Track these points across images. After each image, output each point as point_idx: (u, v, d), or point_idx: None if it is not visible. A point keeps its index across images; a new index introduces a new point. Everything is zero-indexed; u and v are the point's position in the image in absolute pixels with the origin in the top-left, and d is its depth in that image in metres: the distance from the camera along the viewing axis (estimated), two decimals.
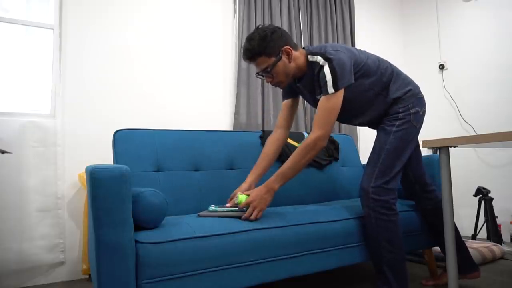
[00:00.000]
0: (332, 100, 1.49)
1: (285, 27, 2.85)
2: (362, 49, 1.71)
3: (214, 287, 1.31)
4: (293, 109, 1.78)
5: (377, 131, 1.69)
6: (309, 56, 1.57)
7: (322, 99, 1.51)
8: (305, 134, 2.34)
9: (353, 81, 1.53)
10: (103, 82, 2.33)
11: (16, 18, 2.19)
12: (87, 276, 2.15)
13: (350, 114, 1.71)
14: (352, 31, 3.25)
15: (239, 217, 1.44)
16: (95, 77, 2.31)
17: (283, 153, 2.15)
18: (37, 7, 2.30)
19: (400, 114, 1.62)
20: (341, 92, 1.50)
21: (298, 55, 1.57)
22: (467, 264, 1.76)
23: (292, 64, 1.55)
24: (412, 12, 3.71)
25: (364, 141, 3.28)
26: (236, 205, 1.49)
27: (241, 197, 1.47)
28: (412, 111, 1.62)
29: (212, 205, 1.57)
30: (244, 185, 1.64)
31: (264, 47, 1.49)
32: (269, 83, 1.61)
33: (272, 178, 1.50)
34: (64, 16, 2.25)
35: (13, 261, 1.96)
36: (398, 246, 1.56)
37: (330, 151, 2.32)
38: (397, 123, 1.61)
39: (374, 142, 1.66)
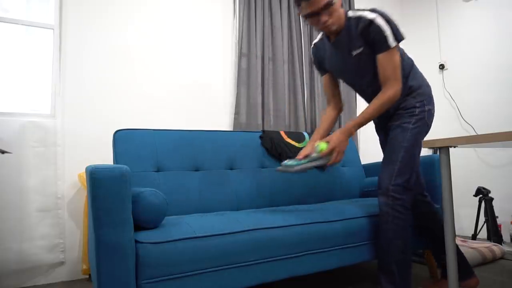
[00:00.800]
0: (395, 54, 1.49)
1: (285, 27, 2.85)
2: None
3: (214, 287, 1.31)
4: (335, 78, 1.82)
5: (393, 128, 1.62)
6: (349, 12, 1.57)
7: (385, 56, 1.49)
8: (305, 134, 2.34)
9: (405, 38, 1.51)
10: (103, 82, 2.33)
11: (16, 18, 2.19)
12: (87, 276, 2.15)
13: (371, 82, 1.64)
14: None
15: (323, 166, 1.47)
16: (95, 77, 2.31)
17: (282, 153, 2.15)
18: (37, 7, 2.30)
19: (417, 110, 1.60)
20: (398, 46, 1.50)
21: (341, 9, 1.55)
22: (461, 270, 1.68)
23: (342, 12, 1.54)
24: (412, 12, 3.71)
25: (364, 141, 3.29)
26: (307, 156, 1.52)
27: (322, 145, 1.49)
28: (427, 108, 1.60)
29: (286, 160, 1.55)
30: (311, 142, 1.71)
31: None
32: (319, 27, 1.54)
33: (350, 124, 1.54)
34: (64, 16, 2.25)
35: (13, 261, 1.96)
36: (409, 247, 1.56)
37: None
38: (413, 120, 1.59)
39: (389, 140, 1.61)
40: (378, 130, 1.85)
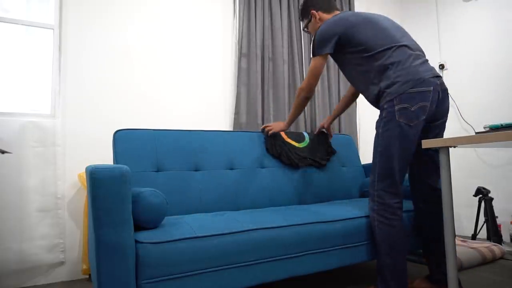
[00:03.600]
0: (313, 61, 1.78)
1: (285, 27, 2.85)
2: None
3: (214, 287, 1.31)
4: None
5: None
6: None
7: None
8: (305, 134, 2.34)
9: (330, 51, 1.73)
10: (103, 82, 2.33)
11: (16, 18, 2.19)
12: (87, 276, 2.15)
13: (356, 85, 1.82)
14: None
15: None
16: (95, 77, 2.31)
17: (282, 153, 2.16)
18: (37, 7, 2.30)
19: (384, 112, 1.58)
20: (318, 57, 1.76)
21: (327, 17, 1.86)
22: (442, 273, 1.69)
23: (320, 24, 1.84)
24: (412, 12, 3.71)
25: (364, 141, 3.29)
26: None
27: None
28: (397, 107, 1.53)
29: None
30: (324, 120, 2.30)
31: (300, 11, 1.96)
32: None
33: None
34: (64, 16, 2.25)
35: (13, 261, 1.96)
36: (399, 252, 1.55)
37: (328, 148, 2.32)
38: (382, 123, 1.59)
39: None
40: None
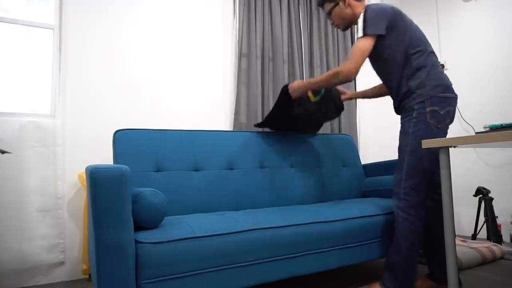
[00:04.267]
0: (362, 41, 1.62)
1: (285, 27, 2.85)
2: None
3: (214, 287, 1.31)
4: None
5: (399, 136, 1.70)
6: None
7: (356, 41, 1.66)
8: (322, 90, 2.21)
9: (383, 33, 1.63)
10: (103, 82, 2.33)
11: (16, 18, 2.19)
12: (87, 276, 2.15)
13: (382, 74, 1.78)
14: (352, 31, 3.26)
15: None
16: (95, 77, 2.31)
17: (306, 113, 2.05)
18: (37, 7, 2.30)
19: (414, 112, 1.62)
20: (369, 37, 1.63)
21: (358, 5, 1.78)
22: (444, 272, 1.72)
23: (348, 11, 1.78)
24: (412, 12, 3.71)
25: (364, 141, 3.29)
26: None
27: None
28: (428, 109, 1.60)
29: None
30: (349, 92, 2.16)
31: None
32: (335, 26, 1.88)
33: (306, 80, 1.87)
34: (64, 16, 2.25)
35: (13, 261, 1.96)
36: (416, 251, 1.60)
37: (338, 101, 2.14)
38: (412, 123, 1.62)
39: (398, 147, 1.69)
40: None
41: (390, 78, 1.73)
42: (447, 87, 1.63)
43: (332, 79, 1.68)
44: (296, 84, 1.89)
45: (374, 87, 2.08)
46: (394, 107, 1.81)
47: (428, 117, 1.60)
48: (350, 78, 1.65)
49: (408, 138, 1.62)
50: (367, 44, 1.63)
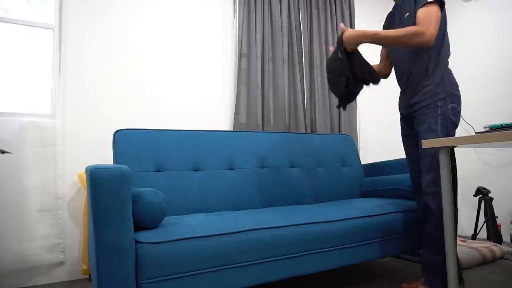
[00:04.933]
0: (434, 7, 1.50)
1: (285, 27, 2.85)
2: None
3: (214, 287, 1.31)
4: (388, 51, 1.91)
5: (422, 133, 1.65)
6: None
7: (423, 9, 1.51)
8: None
9: (443, 7, 1.56)
10: (103, 82, 2.33)
11: (16, 18, 2.19)
12: (87, 276, 2.15)
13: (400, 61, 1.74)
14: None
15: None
16: (95, 77, 2.31)
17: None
18: (37, 7, 2.30)
19: (439, 109, 1.62)
20: (438, 7, 1.51)
21: None
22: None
23: None
24: None
25: (364, 141, 3.29)
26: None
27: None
28: (449, 106, 1.62)
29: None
30: None
31: None
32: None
33: (367, 31, 1.57)
34: (64, 16, 2.25)
35: (13, 261, 1.96)
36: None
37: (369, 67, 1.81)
38: (439, 120, 1.62)
39: (420, 142, 1.65)
40: (407, 135, 1.85)
41: (414, 61, 1.69)
42: (458, 86, 1.68)
43: (411, 39, 1.47)
44: (349, 34, 1.59)
45: (375, 65, 1.92)
46: (406, 96, 1.74)
47: (450, 114, 1.62)
48: (431, 43, 1.49)
49: (437, 136, 1.61)
50: (439, 12, 1.51)
